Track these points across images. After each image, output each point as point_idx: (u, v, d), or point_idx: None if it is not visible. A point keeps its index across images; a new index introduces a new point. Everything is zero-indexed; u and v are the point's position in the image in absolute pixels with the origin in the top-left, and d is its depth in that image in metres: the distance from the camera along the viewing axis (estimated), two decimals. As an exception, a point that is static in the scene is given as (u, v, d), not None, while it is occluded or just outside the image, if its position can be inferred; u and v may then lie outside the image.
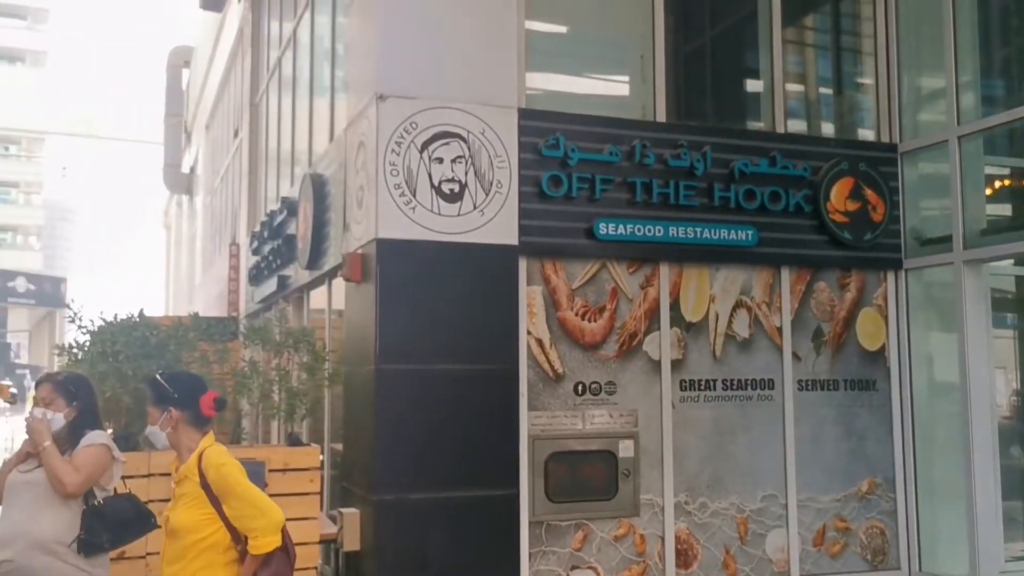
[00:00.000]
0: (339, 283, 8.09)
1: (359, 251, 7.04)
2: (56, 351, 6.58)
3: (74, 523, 3.92)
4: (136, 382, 6.33)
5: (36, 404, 4.08)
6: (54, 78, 34.99)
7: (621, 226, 7.27)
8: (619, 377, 7.33)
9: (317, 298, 9.67)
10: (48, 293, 36.51)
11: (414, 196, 6.73)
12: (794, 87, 8.63)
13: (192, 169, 28.94)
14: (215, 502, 3.49)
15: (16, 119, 37.36)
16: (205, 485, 3.49)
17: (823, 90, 9.03)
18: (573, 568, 7.04)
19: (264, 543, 3.46)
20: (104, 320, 6.70)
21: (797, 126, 8.43)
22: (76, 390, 4.18)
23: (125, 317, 6.80)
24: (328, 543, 6.90)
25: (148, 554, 5.92)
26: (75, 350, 6.52)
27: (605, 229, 7.21)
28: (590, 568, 7.08)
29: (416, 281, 6.72)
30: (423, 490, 6.52)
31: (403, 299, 6.68)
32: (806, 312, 7.93)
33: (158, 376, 3.76)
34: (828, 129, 8.73)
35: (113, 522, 4.00)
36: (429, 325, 6.70)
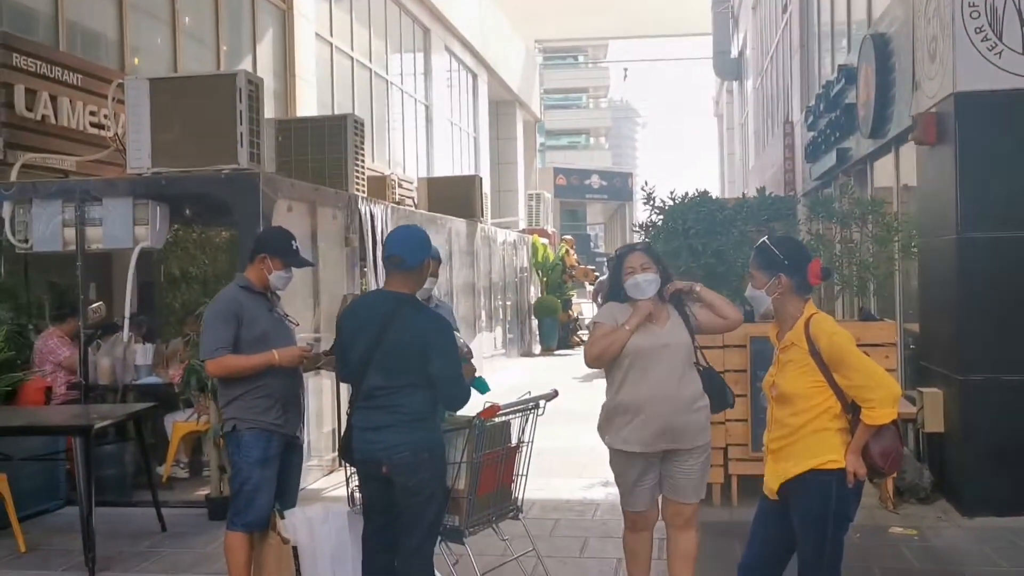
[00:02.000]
0: (907, 149, 7.48)
1: (933, 110, 6.40)
2: (634, 229, 7.09)
3: (699, 382, 4.12)
4: (706, 256, 6.59)
5: (635, 272, 4.20)
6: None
7: None
8: None
9: (882, 168, 9.08)
10: (618, 188, 39.69)
11: (1000, 39, 5.88)
12: None
13: (740, 53, 29.02)
14: (825, 370, 3.38)
15: (581, 29, 40.79)
16: (815, 352, 3.38)
17: None
18: None
19: (880, 414, 3.29)
20: (674, 200, 7.04)
21: None
22: (658, 259, 4.36)
23: (692, 196, 7.07)
24: (906, 422, 6.57)
25: (739, 420, 6.21)
26: (652, 228, 6.97)
27: None
28: None
29: (1004, 137, 5.94)
30: (1019, 371, 5.84)
31: (988, 158, 5.96)
32: None
33: (766, 241, 3.66)
34: None
35: (719, 383, 4.18)
36: (1022, 187, 5.88)
